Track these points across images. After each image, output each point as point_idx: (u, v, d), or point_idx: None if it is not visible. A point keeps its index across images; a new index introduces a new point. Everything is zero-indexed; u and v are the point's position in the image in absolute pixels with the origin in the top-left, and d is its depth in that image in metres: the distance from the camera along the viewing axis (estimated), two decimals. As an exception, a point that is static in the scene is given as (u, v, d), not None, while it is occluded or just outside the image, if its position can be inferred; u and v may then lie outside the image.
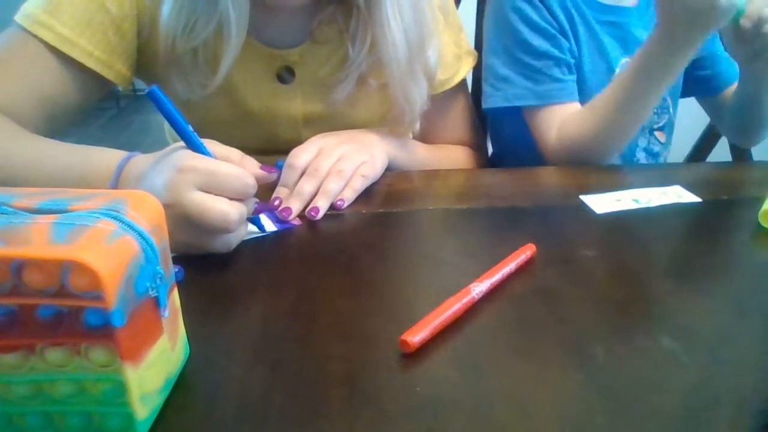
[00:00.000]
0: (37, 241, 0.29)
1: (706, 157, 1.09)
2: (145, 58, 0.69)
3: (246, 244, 0.54)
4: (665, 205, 0.64)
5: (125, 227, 0.32)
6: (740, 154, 1.02)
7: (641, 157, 0.89)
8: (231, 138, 0.62)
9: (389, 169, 0.70)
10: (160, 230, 0.35)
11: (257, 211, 0.54)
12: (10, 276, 0.29)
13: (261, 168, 0.53)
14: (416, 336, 0.41)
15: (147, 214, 0.34)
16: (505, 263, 0.50)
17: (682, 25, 0.65)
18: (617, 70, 0.84)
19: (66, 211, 0.32)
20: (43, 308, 0.30)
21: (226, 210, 0.47)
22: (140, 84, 0.77)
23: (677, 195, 0.66)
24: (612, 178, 0.71)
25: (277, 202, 0.60)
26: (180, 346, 0.39)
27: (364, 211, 0.62)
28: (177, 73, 0.67)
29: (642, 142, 0.89)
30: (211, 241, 0.50)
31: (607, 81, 0.83)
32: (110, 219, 0.32)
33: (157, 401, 0.35)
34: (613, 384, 0.39)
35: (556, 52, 0.81)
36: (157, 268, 0.34)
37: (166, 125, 0.79)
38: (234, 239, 0.51)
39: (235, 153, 0.52)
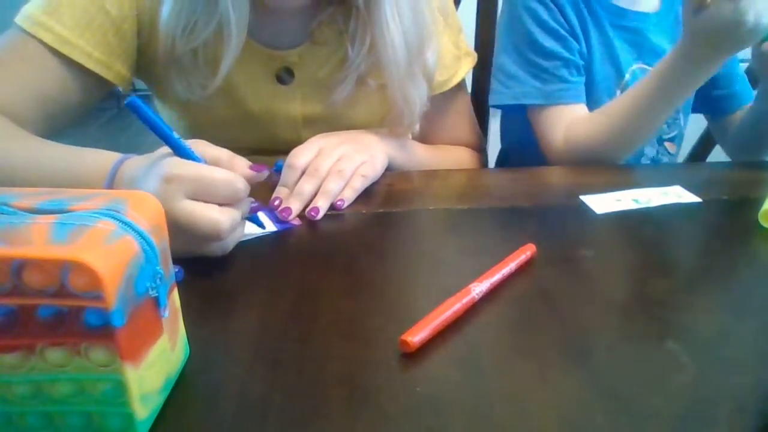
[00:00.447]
0: (37, 241, 0.29)
1: (706, 157, 1.09)
2: (145, 59, 0.69)
3: (246, 245, 0.54)
4: (665, 205, 0.64)
5: (125, 227, 0.32)
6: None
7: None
8: (231, 138, 0.62)
9: (389, 170, 0.70)
10: (160, 230, 0.35)
11: (254, 210, 0.54)
12: (10, 276, 0.29)
13: (251, 167, 0.52)
14: (416, 336, 0.41)
15: (147, 214, 0.34)
16: (505, 263, 0.50)
17: (707, 43, 0.65)
18: (627, 76, 0.84)
19: (66, 211, 0.32)
20: (43, 308, 0.30)
21: (217, 218, 0.47)
22: (140, 85, 0.77)
23: (677, 195, 0.66)
24: (612, 178, 0.71)
25: (277, 202, 0.60)
26: (180, 346, 0.39)
27: (364, 211, 0.62)
28: (177, 73, 0.67)
29: (650, 151, 0.88)
30: (205, 247, 0.50)
31: (615, 85, 0.83)
32: (110, 219, 0.32)
33: (157, 401, 0.35)
34: (613, 384, 0.39)
35: (565, 53, 0.81)
36: (157, 268, 0.34)
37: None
38: (230, 242, 0.51)
39: (224, 153, 0.52)
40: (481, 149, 0.89)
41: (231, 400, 0.37)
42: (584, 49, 0.83)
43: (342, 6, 0.69)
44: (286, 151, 0.65)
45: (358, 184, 0.63)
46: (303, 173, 0.62)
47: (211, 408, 0.37)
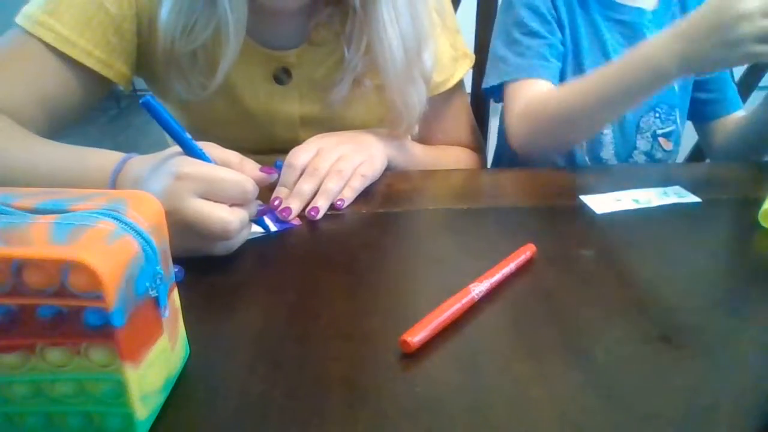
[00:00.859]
0: (38, 241, 0.29)
1: (706, 157, 1.09)
2: (145, 59, 0.69)
3: (246, 245, 0.54)
4: (665, 205, 0.64)
5: (125, 227, 0.32)
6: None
7: (640, 160, 0.89)
8: (229, 138, 0.62)
9: (388, 170, 0.70)
10: (160, 230, 0.35)
11: (261, 213, 0.54)
12: (10, 276, 0.29)
13: (261, 170, 0.53)
14: (416, 336, 0.41)
15: (147, 214, 0.34)
16: (505, 263, 0.50)
17: (698, 38, 0.62)
18: None
19: (66, 211, 0.32)
20: (43, 308, 0.30)
21: (226, 218, 0.47)
22: (141, 84, 0.77)
23: (677, 195, 0.66)
24: (612, 178, 0.71)
25: (276, 202, 0.60)
26: (180, 346, 0.39)
27: (364, 211, 0.62)
28: (176, 73, 0.67)
29: (643, 145, 0.88)
30: (211, 247, 0.50)
31: None
32: (110, 219, 0.32)
33: (157, 401, 0.35)
34: (613, 384, 0.39)
35: (548, 36, 0.82)
36: (157, 268, 0.34)
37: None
38: (235, 243, 0.51)
39: (234, 156, 0.52)
40: (480, 150, 0.89)
41: (231, 400, 0.37)
42: (567, 41, 0.84)
43: (339, 7, 0.69)
44: (284, 151, 0.65)
45: (358, 184, 0.63)
46: (302, 173, 0.62)
47: (211, 408, 0.37)
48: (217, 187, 0.48)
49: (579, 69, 0.84)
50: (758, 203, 0.60)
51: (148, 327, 0.34)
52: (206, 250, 0.50)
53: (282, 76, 0.73)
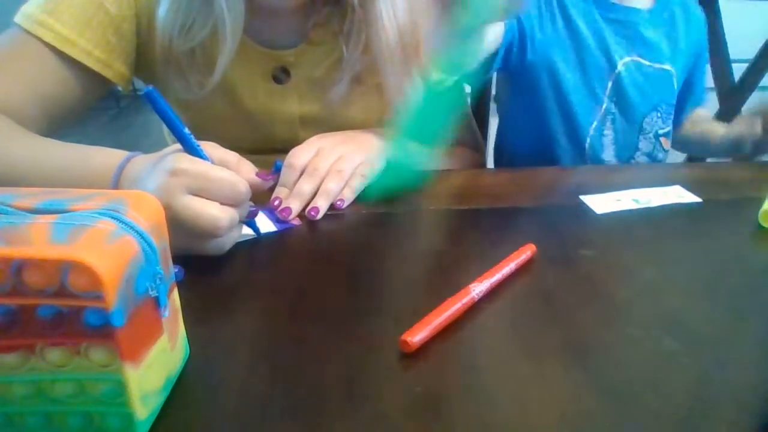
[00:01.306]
0: (38, 241, 0.29)
1: (706, 157, 1.09)
2: (144, 58, 0.69)
3: (246, 245, 0.54)
4: (665, 205, 0.64)
5: (125, 227, 0.32)
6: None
7: (642, 161, 0.89)
8: (229, 137, 0.62)
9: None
10: (160, 230, 0.35)
11: (252, 215, 0.54)
12: (10, 276, 0.29)
13: (257, 174, 0.52)
14: (416, 336, 0.41)
15: (147, 214, 0.34)
16: (505, 263, 0.50)
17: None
18: (620, 67, 0.84)
19: (66, 211, 0.32)
20: (43, 308, 0.30)
21: (217, 215, 0.47)
22: (140, 84, 0.77)
23: (677, 195, 0.66)
24: (612, 178, 0.71)
25: (276, 203, 0.60)
26: (180, 346, 0.39)
27: (364, 211, 0.62)
28: (175, 72, 0.67)
29: (645, 146, 0.88)
30: (202, 245, 0.50)
31: (607, 77, 0.84)
32: (110, 219, 0.32)
33: (157, 401, 0.35)
34: (613, 384, 0.39)
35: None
36: (157, 268, 0.34)
37: (165, 126, 0.79)
38: (227, 242, 0.51)
39: (232, 156, 0.52)
40: (479, 149, 0.89)
41: (231, 400, 0.37)
42: (563, 36, 0.83)
43: (337, 6, 0.69)
44: (284, 151, 0.65)
45: (357, 184, 0.63)
46: (302, 173, 0.62)
47: (211, 408, 0.37)
48: (210, 185, 0.48)
49: (581, 67, 0.83)
50: (758, 203, 0.60)
51: (148, 327, 0.34)
52: (197, 248, 0.50)
53: (281, 75, 0.73)
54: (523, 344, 0.43)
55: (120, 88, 0.69)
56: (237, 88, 0.72)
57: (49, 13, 0.61)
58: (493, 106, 1.01)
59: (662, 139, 0.88)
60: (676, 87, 0.88)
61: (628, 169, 0.80)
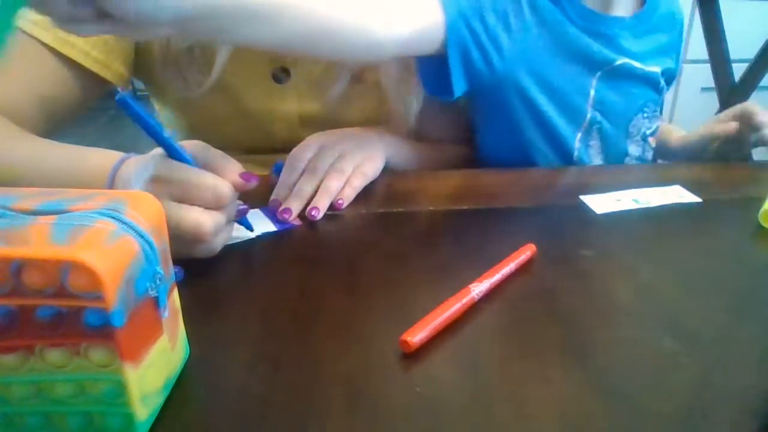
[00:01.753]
0: (37, 241, 0.29)
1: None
2: (142, 58, 0.69)
3: (245, 245, 0.54)
4: (665, 205, 0.64)
5: (125, 227, 0.32)
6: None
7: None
8: (228, 137, 0.62)
9: (387, 168, 0.70)
10: (160, 230, 0.35)
11: (242, 213, 0.53)
12: (9, 276, 0.29)
13: (241, 175, 0.51)
14: (416, 336, 0.41)
15: (147, 214, 0.34)
16: (505, 263, 0.50)
17: None
18: (602, 75, 0.77)
19: (65, 212, 0.32)
20: (43, 308, 0.30)
21: (200, 221, 0.47)
22: (140, 85, 0.77)
23: (677, 195, 0.66)
24: (612, 178, 0.71)
25: (277, 203, 0.60)
26: (180, 346, 0.39)
27: (363, 211, 0.62)
28: (173, 71, 0.67)
29: (635, 150, 0.84)
30: (191, 249, 0.49)
31: (589, 87, 0.76)
32: (110, 219, 0.32)
33: (157, 401, 0.35)
34: (613, 384, 0.39)
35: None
36: (157, 268, 0.34)
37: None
38: (216, 245, 0.50)
39: (218, 157, 0.51)
40: (467, 142, 0.88)
41: (231, 400, 0.37)
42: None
43: None
44: (285, 150, 0.65)
45: (358, 183, 0.63)
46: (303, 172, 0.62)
47: (211, 408, 0.37)
48: (191, 191, 0.47)
49: (559, 77, 0.76)
50: (758, 203, 0.60)
51: (148, 327, 0.34)
52: (186, 253, 0.49)
53: (280, 74, 0.73)
54: (523, 344, 0.43)
55: (119, 89, 0.69)
56: (236, 87, 0.72)
57: None
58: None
59: (650, 139, 0.85)
60: (661, 85, 0.83)
61: (628, 169, 0.80)
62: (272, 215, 0.59)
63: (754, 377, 0.40)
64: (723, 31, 1.17)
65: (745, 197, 0.66)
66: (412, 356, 0.40)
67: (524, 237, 0.54)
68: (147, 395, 0.34)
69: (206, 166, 0.50)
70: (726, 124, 0.79)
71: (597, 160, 0.81)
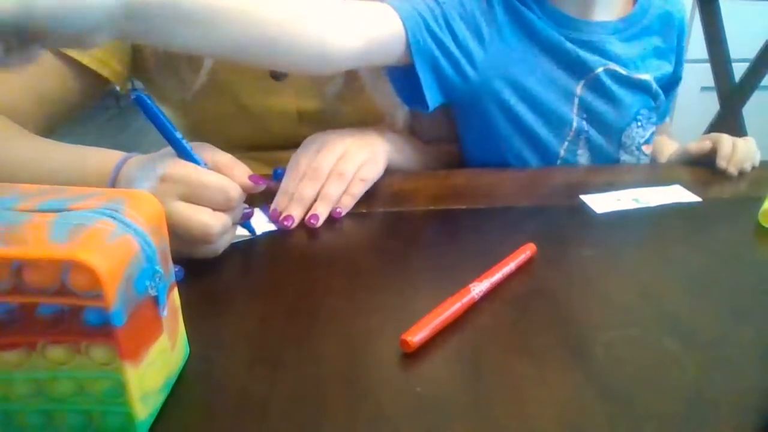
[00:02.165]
0: (37, 240, 0.29)
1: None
2: (140, 58, 0.69)
3: (245, 245, 0.54)
4: (665, 205, 0.64)
5: (125, 227, 0.32)
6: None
7: None
8: (228, 135, 0.62)
9: (388, 168, 0.70)
10: (159, 230, 0.35)
11: (247, 217, 0.53)
12: (10, 276, 0.29)
13: (250, 177, 0.52)
14: (416, 336, 0.41)
15: (146, 213, 0.34)
16: (505, 263, 0.50)
17: None
18: (587, 82, 0.74)
19: (65, 211, 0.32)
20: (44, 306, 0.30)
21: (207, 222, 0.47)
22: (140, 84, 0.77)
23: (677, 195, 0.66)
24: (612, 178, 0.71)
25: (278, 212, 0.59)
26: (180, 345, 0.39)
27: (364, 211, 0.62)
28: (169, 70, 0.67)
29: (628, 159, 0.81)
30: (195, 250, 0.49)
31: (573, 94, 0.74)
32: (109, 218, 0.32)
33: (157, 401, 0.35)
34: (613, 384, 0.39)
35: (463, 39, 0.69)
36: (157, 267, 0.34)
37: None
38: (219, 246, 0.51)
39: (226, 159, 0.52)
40: (457, 141, 0.88)
41: (231, 400, 0.37)
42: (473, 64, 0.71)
43: None
44: (283, 147, 0.65)
45: (357, 190, 0.62)
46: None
47: (211, 408, 0.37)
48: (201, 192, 0.47)
49: (540, 86, 0.74)
50: (758, 203, 0.60)
51: (147, 326, 0.34)
52: (190, 252, 0.49)
53: (278, 72, 0.73)
54: (523, 344, 0.43)
55: (118, 88, 0.69)
56: (234, 85, 0.72)
57: None
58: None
59: (644, 147, 0.81)
60: (655, 90, 0.78)
61: (628, 169, 0.80)
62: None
63: (754, 377, 0.40)
64: (723, 31, 1.17)
65: (745, 197, 0.66)
66: (412, 356, 0.40)
67: (524, 237, 0.54)
68: (147, 394, 0.34)
69: (214, 168, 0.50)
70: (700, 144, 0.76)
71: None
